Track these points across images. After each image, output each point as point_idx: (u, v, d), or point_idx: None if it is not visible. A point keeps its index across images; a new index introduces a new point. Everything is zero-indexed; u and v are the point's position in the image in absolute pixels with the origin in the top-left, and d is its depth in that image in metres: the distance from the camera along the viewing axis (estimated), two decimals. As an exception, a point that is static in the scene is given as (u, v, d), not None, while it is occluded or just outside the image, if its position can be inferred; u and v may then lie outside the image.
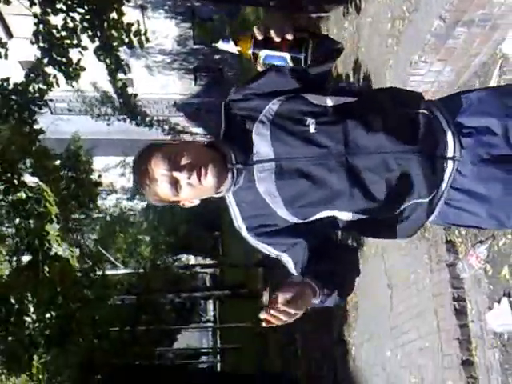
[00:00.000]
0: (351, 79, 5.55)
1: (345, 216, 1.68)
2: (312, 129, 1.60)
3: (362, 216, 1.67)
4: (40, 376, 6.12)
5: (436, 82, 4.17)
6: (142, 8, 15.13)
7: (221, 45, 1.68)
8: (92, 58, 6.59)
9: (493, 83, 3.72)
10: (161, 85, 17.20)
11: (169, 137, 17.82)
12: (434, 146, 1.66)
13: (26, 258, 7.84)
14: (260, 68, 1.66)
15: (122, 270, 14.95)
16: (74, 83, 6.88)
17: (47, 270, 7.07)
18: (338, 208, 1.65)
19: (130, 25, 6.20)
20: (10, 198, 6.60)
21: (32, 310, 6.65)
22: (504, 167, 1.67)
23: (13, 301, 6.73)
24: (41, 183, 6.56)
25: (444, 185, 1.68)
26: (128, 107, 8.00)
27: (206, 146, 1.69)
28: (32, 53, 6.82)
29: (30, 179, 7.17)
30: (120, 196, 19.01)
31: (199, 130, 18.73)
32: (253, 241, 1.72)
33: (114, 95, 14.00)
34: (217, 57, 16.90)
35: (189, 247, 20.46)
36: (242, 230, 1.71)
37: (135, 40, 6.24)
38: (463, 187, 1.69)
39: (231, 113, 1.70)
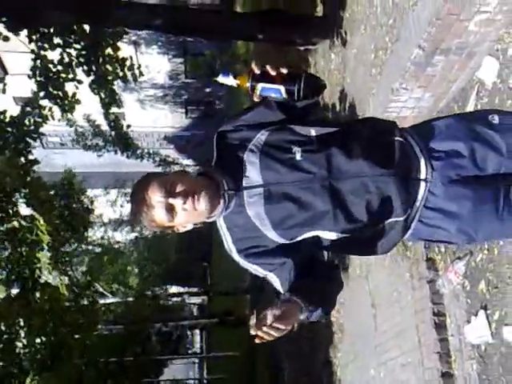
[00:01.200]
0: (337, 107, 5.79)
1: (329, 235, 1.81)
2: (298, 156, 1.75)
3: (344, 235, 1.81)
4: (31, 401, 6.15)
5: (416, 107, 4.38)
6: (136, 44, 15.53)
7: (221, 79, 1.82)
8: (85, 91, 6.84)
9: (470, 107, 3.92)
10: (152, 118, 17.52)
11: (159, 168, 17.99)
12: (409, 169, 1.81)
13: (16, 289, 7.94)
14: (256, 99, 1.82)
15: (110, 299, 14.93)
16: (68, 115, 7.11)
17: (38, 297, 7.19)
18: (322, 228, 1.79)
19: (124, 59, 6.48)
20: (5, 226, 6.73)
21: (23, 335, 6.73)
22: (472, 187, 1.84)
23: (3, 327, 6.80)
24: (34, 213, 6.72)
25: (418, 204, 1.83)
26: (119, 139, 8.25)
27: (200, 174, 1.83)
28: (26, 89, 7.03)
29: (24, 209, 7.34)
30: (109, 228, 19.02)
31: (189, 162, 18.98)
32: (243, 262, 1.83)
33: (106, 128, 14.26)
34: (207, 90, 17.29)
35: (177, 277, 20.46)
36: (233, 253, 1.82)
37: (129, 74, 6.51)
38: (435, 206, 1.84)
39: (223, 142, 1.84)
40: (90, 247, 16.84)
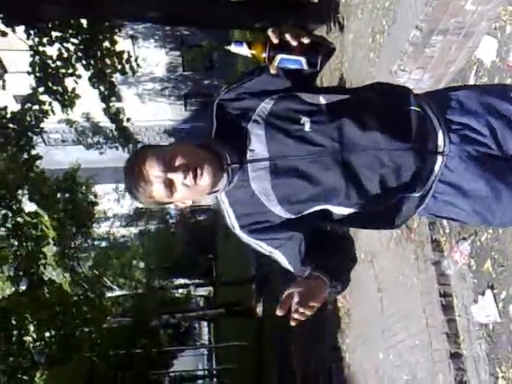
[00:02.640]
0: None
1: (339, 210, 1.70)
2: (307, 127, 1.61)
3: (356, 210, 1.69)
4: (41, 394, 6.23)
5: (416, 89, 4.38)
6: (133, 38, 15.50)
7: (233, 48, 1.65)
8: (84, 89, 6.86)
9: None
10: (152, 112, 17.51)
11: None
12: (425, 141, 1.68)
13: (23, 284, 8.00)
14: (273, 71, 1.64)
15: (118, 293, 15.04)
16: (68, 111, 7.14)
17: (46, 291, 7.26)
18: (333, 203, 1.67)
19: (121, 52, 6.49)
20: (10, 222, 6.79)
21: (32, 329, 6.80)
22: (490, 167, 1.71)
23: (14, 322, 6.88)
24: (38, 208, 6.76)
25: (433, 178, 1.71)
26: (120, 134, 8.24)
27: (199, 147, 1.66)
28: (26, 87, 7.07)
29: (27, 206, 7.39)
30: (114, 223, 19.11)
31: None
32: (246, 238, 1.71)
33: (106, 125, 14.27)
34: (205, 82, 17.27)
35: (183, 269, 20.55)
36: (235, 228, 1.70)
37: (127, 66, 6.52)
38: (450, 181, 1.72)
39: (223, 112, 1.69)
40: (96, 242, 16.92)
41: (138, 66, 6.61)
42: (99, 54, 6.33)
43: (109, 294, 13.05)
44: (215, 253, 22.45)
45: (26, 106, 6.97)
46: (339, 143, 1.62)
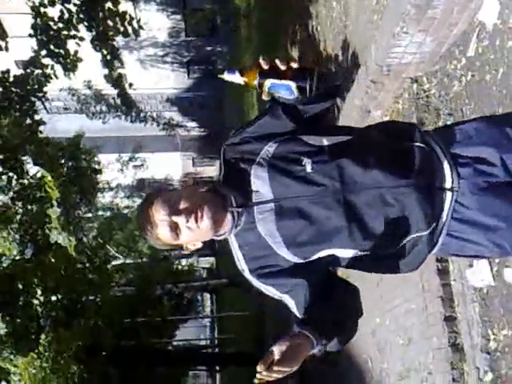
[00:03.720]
0: (340, 57, 5.72)
1: (345, 253, 1.69)
2: (308, 168, 1.63)
3: (362, 253, 1.68)
4: (47, 354, 6.36)
5: (418, 53, 4.31)
6: (134, 1, 15.28)
7: (226, 76, 1.69)
8: (86, 54, 6.81)
9: (471, 52, 3.89)
10: (154, 79, 17.37)
11: (164, 132, 17.98)
12: (432, 178, 1.66)
13: (29, 250, 8.08)
14: (265, 97, 1.68)
15: (122, 261, 15.19)
16: (71, 75, 7.11)
17: (52, 256, 7.35)
18: (337, 245, 1.66)
19: (124, 13, 6.44)
20: (14, 183, 6.84)
21: (39, 293, 6.90)
22: (504, 195, 1.69)
23: (20, 286, 6.98)
24: (42, 169, 6.80)
25: (444, 216, 1.68)
26: (123, 101, 8.18)
27: (206, 191, 1.70)
28: (28, 52, 7.02)
29: (31, 168, 7.43)
30: (117, 193, 19.18)
31: (193, 124, 18.94)
32: (256, 282, 1.72)
33: (109, 92, 14.21)
34: (208, 49, 17.07)
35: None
36: (245, 272, 1.72)
37: (130, 28, 6.47)
38: (464, 218, 1.69)
39: (230, 156, 1.73)
40: (100, 212, 17.02)
41: (141, 27, 6.56)
42: (101, 14, 6.28)
43: (113, 263, 13.18)
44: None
45: (29, 70, 6.94)
46: (340, 182, 1.62)
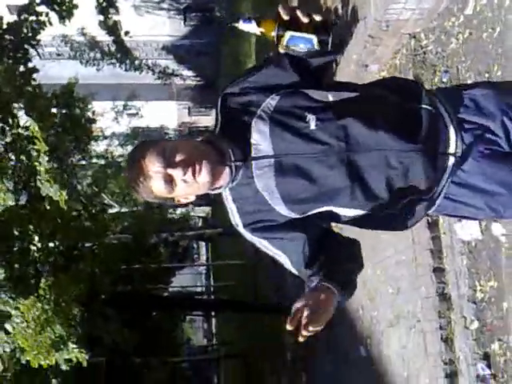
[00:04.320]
0: (340, 11, 5.64)
1: (344, 212, 1.67)
2: (312, 125, 1.57)
3: (362, 212, 1.66)
4: (47, 296, 6.51)
5: (417, 9, 4.31)
6: None
7: (241, 25, 1.60)
8: (81, 1, 6.66)
9: (469, 10, 3.89)
10: (149, 26, 16.93)
11: (159, 81, 17.73)
12: (436, 142, 1.63)
13: (24, 197, 8.13)
14: (282, 50, 1.59)
15: (117, 209, 15.31)
16: (66, 22, 6.99)
17: (47, 205, 7.41)
18: (338, 204, 1.64)
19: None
20: (6, 136, 6.83)
21: (37, 239, 7.00)
22: (503, 162, 1.68)
23: (16, 232, 7.07)
24: (31, 121, 6.74)
25: (444, 180, 1.67)
26: (118, 48, 8.03)
27: (202, 143, 1.64)
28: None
29: (23, 119, 7.38)
30: (112, 141, 19.09)
31: (189, 73, 18.65)
32: (250, 236, 1.68)
33: (103, 39, 13.94)
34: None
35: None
36: (239, 227, 1.67)
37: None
38: (463, 181, 1.69)
39: (228, 106, 1.65)
40: (94, 160, 16.99)
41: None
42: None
43: (109, 211, 13.29)
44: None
45: (22, 17, 6.82)
46: (345, 142, 1.57)
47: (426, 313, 4.61)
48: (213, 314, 18.01)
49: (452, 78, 4.06)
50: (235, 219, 1.67)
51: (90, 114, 9.63)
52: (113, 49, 14.03)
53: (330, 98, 1.61)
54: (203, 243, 23.55)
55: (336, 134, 1.57)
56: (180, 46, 17.94)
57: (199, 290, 22.00)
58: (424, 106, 1.66)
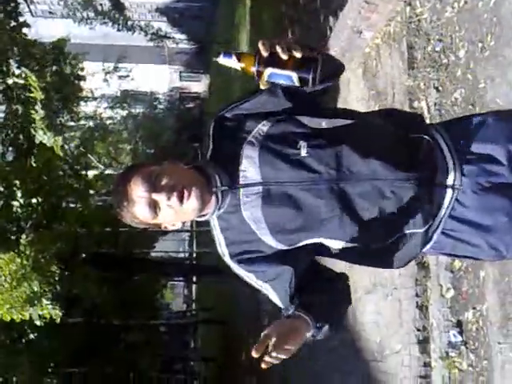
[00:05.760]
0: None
1: (334, 244, 1.60)
2: (303, 152, 1.52)
3: (351, 244, 1.59)
4: (27, 252, 6.52)
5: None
6: None
7: (222, 60, 1.55)
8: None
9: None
10: (143, -14, 16.76)
11: (151, 43, 17.53)
12: (433, 173, 1.58)
13: (11, 154, 8.08)
14: (263, 86, 1.56)
15: (103, 171, 15.26)
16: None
17: (33, 160, 7.38)
18: (327, 236, 1.58)
19: None
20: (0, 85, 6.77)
21: (19, 195, 6.99)
22: (507, 196, 1.61)
23: (1, 188, 7.05)
24: (27, 71, 6.69)
25: (442, 214, 1.60)
26: (111, 7, 7.86)
27: (190, 168, 1.58)
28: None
29: (16, 69, 7.31)
30: (101, 103, 18.92)
31: (182, 36, 18.44)
32: (236, 268, 1.62)
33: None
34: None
35: (168, 156, 20.73)
36: (225, 256, 1.62)
37: None
38: (463, 217, 1.61)
39: (219, 132, 1.62)
40: (83, 121, 16.85)
41: None
42: None
43: (95, 172, 13.23)
44: (202, 142, 22.51)
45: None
46: (336, 170, 1.52)
47: (403, 280, 4.68)
48: (194, 279, 18.15)
49: (445, 47, 4.05)
50: (222, 249, 1.62)
51: (79, 71, 9.52)
52: (106, 8, 13.82)
53: (324, 125, 1.56)
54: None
55: (327, 162, 1.52)
56: (174, 9, 17.70)
57: (182, 255, 22.13)
58: (421, 136, 1.61)
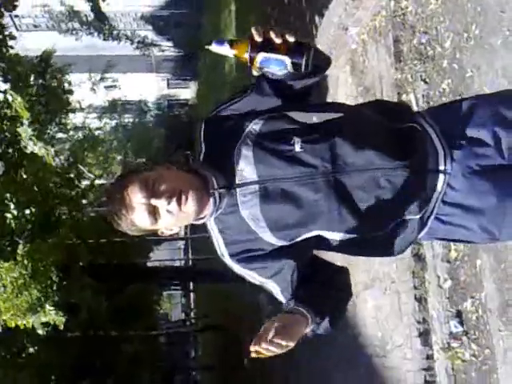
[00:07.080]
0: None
1: (333, 236, 1.62)
2: (297, 148, 1.53)
3: (351, 235, 1.61)
4: (25, 262, 6.50)
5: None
6: None
7: (214, 47, 1.55)
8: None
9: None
10: (127, -5, 16.73)
11: (138, 51, 17.54)
12: (425, 160, 1.61)
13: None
14: (255, 73, 1.56)
15: (95, 182, 15.19)
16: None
17: (24, 172, 7.34)
18: (326, 228, 1.59)
19: None
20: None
21: (12, 207, 6.94)
22: (496, 179, 1.64)
23: (-8, 202, 7.00)
24: (12, 92, 6.65)
25: (434, 199, 1.63)
26: (96, 17, 7.86)
27: (185, 171, 1.59)
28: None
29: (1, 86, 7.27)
30: (89, 113, 18.86)
31: (169, 44, 18.45)
32: (237, 267, 1.63)
33: (82, 9, 13.68)
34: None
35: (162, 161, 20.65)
36: (225, 257, 1.62)
37: None
38: (454, 201, 1.65)
39: (210, 134, 1.63)
40: (71, 133, 16.79)
41: None
42: None
43: (86, 182, 13.18)
44: (193, 148, 22.50)
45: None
46: (331, 163, 1.54)
47: (400, 274, 4.69)
48: (191, 287, 18.08)
49: (431, 39, 4.08)
50: (221, 249, 1.62)
51: (66, 84, 9.48)
52: (91, 18, 13.81)
53: (315, 120, 1.57)
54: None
55: (322, 156, 1.54)
56: (159, 17, 17.70)
57: (177, 264, 22.05)
58: (411, 124, 1.65)
